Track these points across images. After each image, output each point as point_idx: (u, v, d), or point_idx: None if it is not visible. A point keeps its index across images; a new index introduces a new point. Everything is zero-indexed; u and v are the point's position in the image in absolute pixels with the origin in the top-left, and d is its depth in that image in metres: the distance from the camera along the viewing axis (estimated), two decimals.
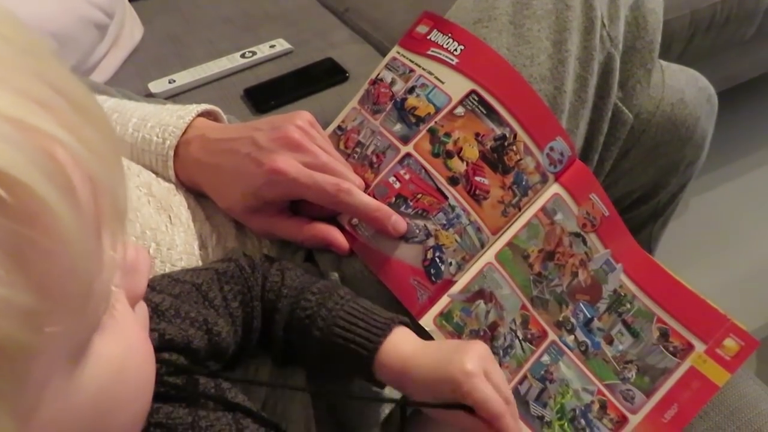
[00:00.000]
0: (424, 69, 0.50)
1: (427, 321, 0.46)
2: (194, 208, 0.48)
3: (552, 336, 0.48)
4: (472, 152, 0.48)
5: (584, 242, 0.50)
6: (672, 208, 0.78)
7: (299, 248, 0.50)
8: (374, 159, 0.49)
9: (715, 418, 0.50)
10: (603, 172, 0.62)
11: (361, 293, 0.44)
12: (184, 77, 0.89)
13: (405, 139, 0.49)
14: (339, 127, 0.53)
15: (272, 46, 0.94)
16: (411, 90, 0.50)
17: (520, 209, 0.49)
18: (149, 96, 0.85)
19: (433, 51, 0.50)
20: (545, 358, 0.47)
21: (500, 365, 0.46)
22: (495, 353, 0.46)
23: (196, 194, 0.49)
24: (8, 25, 0.20)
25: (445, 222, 0.47)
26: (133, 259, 0.26)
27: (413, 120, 0.49)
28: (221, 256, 0.47)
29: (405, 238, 0.47)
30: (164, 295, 0.36)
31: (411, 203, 0.47)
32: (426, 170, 0.48)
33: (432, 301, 0.46)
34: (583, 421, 0.46)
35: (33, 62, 0.20)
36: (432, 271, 0.46)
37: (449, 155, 0.48)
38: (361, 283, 0.47)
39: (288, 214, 0.48)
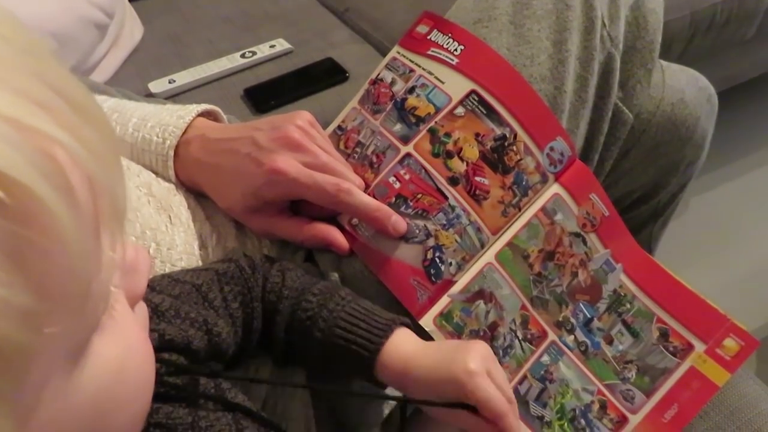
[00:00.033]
0: (424, 69, 0.50)
1: (427, 321, 0.46)
2: (194, 208, 0.48)
3: (552, 336, 0.48)
4: (472, 152, 0.48)
5: (584, 242, 0.50)
6: (672, 208, 0.78)
7: (299, 248, 0.50)
8: (374, 159, 0.49)
9: (715, 417, 0.50)
10: (603, 172, 0.62)
11: (361, 293, 0.44)
12: (184, 77, 0.89)
13: (405, 139, 0.49)
14: (339, 127, 0.53)
15: (272, 46, 0.94)
16: (411, 90, 0.50)
17: (520, 209, 0.49)
18: (149, 96, 0.85)
19: (433, 51, 0.50)
20: (545, 358, 0.47)
21: (500, 365, 0.46)
22: (495, 353, 0.46)
23: (196, 194, 0.49)
24: (8, 26, 0.20)
25: (445, 222, 0.47)
26: (133, 259, 0.26)
27: (413, 120, 0.49)
28: (221, 256, 0.47)
29: (405, 238, 0.47)
30: (164, 296, 0.36)
31: (411, 203, 0.47)
32: (426, 170, 0.48)
33: (432, 301, 0.46)
34: (583, 421, 0.46)
35: (32, 62, 0.20)
36: (432, 271, 0.46)
37: (449, 155, 0.48)
38: (361, 283, 0.47)
39: (288, 214, 0.48)
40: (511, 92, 0.48)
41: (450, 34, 0.50)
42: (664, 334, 0.48)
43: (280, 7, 1.07)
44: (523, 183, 0.48)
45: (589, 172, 0.52)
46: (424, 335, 0.45)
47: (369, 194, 0.47)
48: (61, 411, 0.20)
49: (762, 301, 1.02)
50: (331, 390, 0.44)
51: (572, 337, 0.48)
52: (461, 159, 0.48)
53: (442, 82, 0.49)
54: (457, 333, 0.46)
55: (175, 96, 0.87)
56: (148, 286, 0.30)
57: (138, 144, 0.48)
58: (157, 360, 0.28)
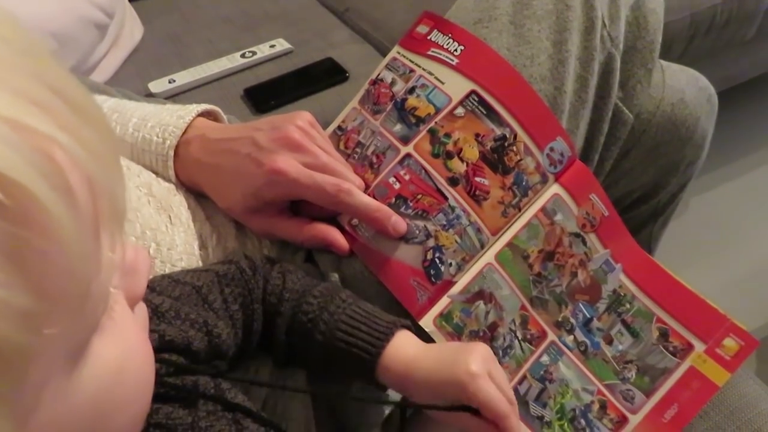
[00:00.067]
0: (424, 69, 0.50)
1: (426, 322, 0.46)
2: (194, 208, 0.48)
3: (551, 336, 0.48)
4: (472, 153, 0.48)
5: (584, 242, 0.50)
6: (672, 208, 0.78)
7: (299, 248, 0.50)
8: (374, 159, 0.49)
9: (715, 417, 0.50)
10: (603, 172, 0.62)
11: (361, 294, 0.44)
12: (184, 77, 0.89)
13: (405, 140, 0.49)
14: (339, 128, 0.53)
15: (272, 46, 0.94)
16: (411, 90, 0.50)
17: (520, 210, 0.49)
18: (149, 96, 0.85)
19: (433, 51, 0.50)
20: (545, 359, 0.47)
21: (500, 366, 0.46)
22: (494, 353, 0.46)
23: (196, 194, 0.49)
24: (7, 26, 0.20)
25: (445, 223, 0.47)
26: (132, 259, 0.26)
27: (413, 120, 0.49)
28: (221, 257, 0.47)
29: (405, 238, 0.47)
30: (164, 297, 0.36)
31: (411, 204, 0.47)
32: (426, 171, 0.48)
33: (432, 301, 0.46)
34: (583, 421, 0.46)
35: (31, 63, 0.20)
36: (432, 271, 0.46)
37: (449, 156, 0.48)
38: (361, 283, 0.47)
39: (288, 215, 0.48)
40: (511, 92, 0.48)
41: (450, 35, 0.50)
42: (664, 334, 0.48)
43: (280, 7, 1.07)
44: (523, 183, 0.48)
45: (588, 173, 0.52)
46: (424, 336, 0.45)
47: (369, 195, 0.47)
48: (61, 412, 0.20)
49: (762, 301, 1.02)
50: (331, 394, 0.44)
51: (572, 337, 0.48)
52: (461, 159, 0.48)
53: (442, 83, 0.49)
54: (457, 333, 0.46)
55: (175, 96, 0.87)
56: (148, 286, 0.30)
57: (138, 144, 0.48)
58: (157, 360, 0.28)
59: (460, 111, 0.48)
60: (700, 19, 1.00)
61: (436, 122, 0.48)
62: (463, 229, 0.47)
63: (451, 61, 0.49)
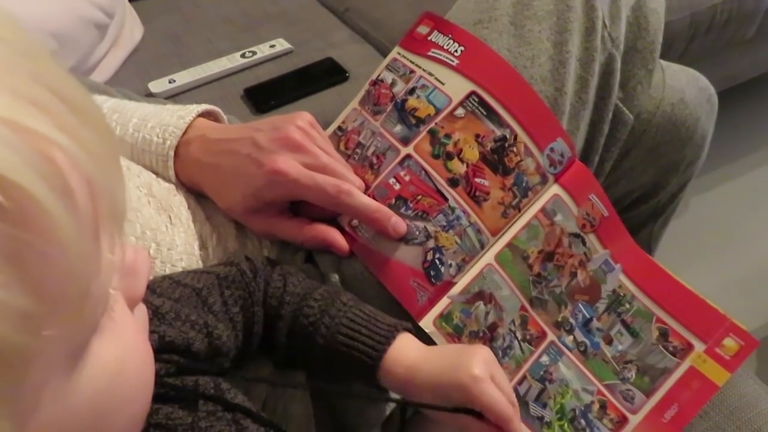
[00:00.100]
0: (424, 70, 0.50)
1: (426, 323, 0.46)
2: (194, 208, 0.48)
3: (551, 336, 0.48)
4: (472, 153, 0.48)
5: (583, 243, 0.50)
6: (672, 208, 0.78)
7: (299, 249, 0.50)
8: (374, 160, 0.49)
9: (715, 417, 0.50)
10: (603, 173, 0.62)
11: (361, 294, 0.44)
12: (184, 77, 0.89)
13: (405, 141, 0.49)
14: (339, 128, 0.53)
15: (272, 46, 0.94)
16: (411, 91, 0.50)
17: (520, 210, 0.49)
18: (149, 96, 0.85)
19: (433, 52, 0.50)
20: (544, 359, 0.47)
21: (502, 369, 0.46)
22: (494, 354, 0.46)
23: (196, 195, 0.49)
24: (6, 27, 0.20)
25: (445, 223, 0.47)
26: (132, 261, 0.26)
27: (413, 121, 0.49)
28: (221, 257, 0.47)
29: (405, 239, 0.47)
30: (164, 299, 0.36)
31: (411, 205, 0.47)
32: (426, 172, 0.48)
33: (432, 302, 0.46)
34: (583, 422, 0.46)
35: (30, 64, 0.20)
36: (432, 272, 0.46)
37: (449, 157, 0.48)
38: (361, 284, 0.47)
39: (288, 215, 0.48)
40: (512, 93, 0.48)
41: (450, 35, 0.50)
42: (664, 334, 0.48)
43: (280, 7, 1.07)
44: (523, 184, 0.48)
45: (588, 173, 0.52)
46: (424, 336, 0.45)
47: (369, 195, 0.47)
48: (60, 413, 0.20)
49: (762, 301, 1.02)
50: (332, 391, 0.44)
51: (571, 337, 0.48)
52: (461, 160, 0.48)
53: (443, 83, 0.49)
54: (457, 334, 0.46)
55: (175, 96, 0.87)
56: (148, 287, 0.30)
57: (138, 144, 0.48)
58: (157, 361, 0.28)
59: (460, 112, 0.48)
60: (700, 18, 1.00)
61: (436, 123, 0.48)
62: (463, 229, 0.47)
63: (451, 62, 0.49)
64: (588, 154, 0.57)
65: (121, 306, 0.25)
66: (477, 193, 0.47)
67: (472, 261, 0.48)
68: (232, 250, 0.48)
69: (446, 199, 0.47)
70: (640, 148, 0.65)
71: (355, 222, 0.48)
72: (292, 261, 0.49)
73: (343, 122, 0.53)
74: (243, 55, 0.93)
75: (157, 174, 0.49)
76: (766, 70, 1.22)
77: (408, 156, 0.48)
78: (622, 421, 0.46)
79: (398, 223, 0.46)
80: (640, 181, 0.71)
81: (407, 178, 0.48)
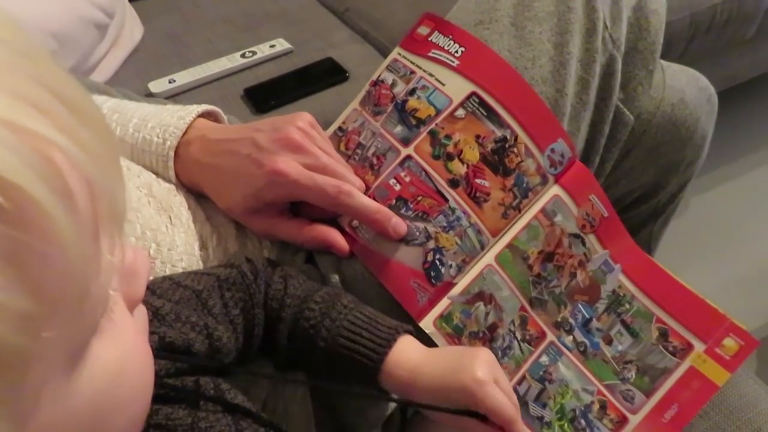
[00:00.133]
0: (425, 71, 0.50)
1: (427, 323, 0.46)
2: (194, 208, 0.48)
3: (550, 336, 0.48)
4: (472, 154, 0.48)
5: (583, 243, 0.50)
6: (672, 208, 0.78)
7: (299, 250, 0.50)
8: (375, 161, 0.49)
9: (715, 417, 0.50)
10: (604, 174, 0.62)
11: (362, 295, 0.44)
12: (184, 77, 0.89)
13: (406, 141, 0.49)
14: (340, 129, 0.53)
15: (272, 46, 0.94)
16: (412, 92, 0.50)
17: (520, 211, 0.49)
18: (149, 96, 0.85)
19: (434, 53, 0.50)
20: (544, 359, 0.47)
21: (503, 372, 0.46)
22: (494, 354, 0.46)
23: (196, 195, 0.49)
24: (5, 28, 0.20)
25: (445, 224, 0.47)
26: (132, 262, 0.26)
27: (414, 122, 0.49)
28: (222, 257, 0.47)
29: (405, 240, 0.47)
30: (164, 300, 0.36)
31: (411, 205, 0.47)
32: (426, 172, 0.48)
33: (432, 303, 0.46)
34: (583, 422, 0.46)
35: (30, 65, 0.20)
36: (432, 273, 0.47)
37: (450, 157, 0.48)
38: (362, 285, 0.47)
39: (288, 216, 0.48)
40: (512, 94, 0.48)
41: (451, 36, 0.50)
42: (664, 334, 0.48)
43: (280, 7, 1.07)
44: (524, 185, 0.48)
45: (588, 173, 0.52)
46: (424, 337, 0.45)
47: (369, 196, 0.47)
48: (60, 414, 0.20)
49: (762, 301, 1.02)
50: (333, 389, 0.44)
51: (571, 337, 0.48)
52: (462, 161, 0.48)
53: (443, 84, 0.49)
54: (457, 335, 0.46)
55: (175, 96, 0.87)
56: (148, 288, 0.30)
57: (138, 144, 0.48)
58: (157, 362, 0.28)
59: (460, 112, 0.48)
60: (700, 19, 1.00)
61: (436, 124, 0.48)
62: (464, 230, 0.47)
63: (451, 63, 0.49)
64: (588, 154, 0.57)
65: (120, 307, 0.25)
66: (477, 194, 0.47)
67: (473, 262, 0.48)
68: (233, 251, 0.48)
69: (446, 200, 0.47)
70: (640, 148, 0.65)
71: (355, 223, 0.48)
72: (293, 262, 0.49)
73: (344, 123, 0.53)
74: (243, 55, 0.93)
75: (157, 174, 0.49)
76: (766, 70, 1.22)
77: (408, 157, 0.48)
78: (622, 421, 0.46)
79: (398, 224, 0.46)
80: (640, 181, 0.71)
81: (408, 179, 0.48)
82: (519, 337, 0.47)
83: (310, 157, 0.45)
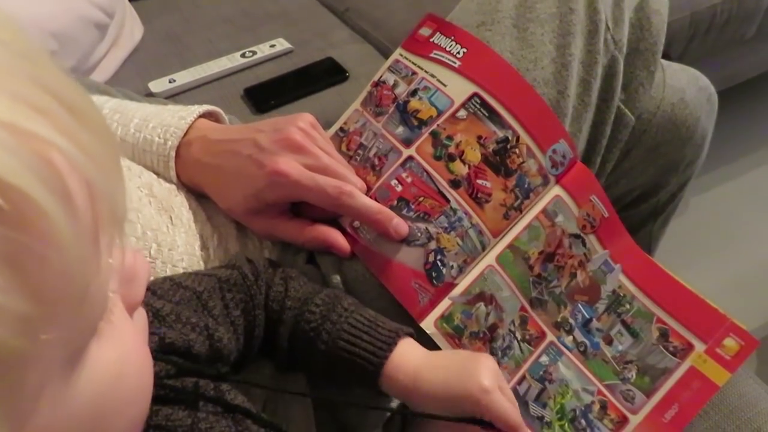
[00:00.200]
0: (426, 72, 0.50)
1: (428, 324, 0.46)
2: (195, 209, 0.48)
3: (550, 337, 0.48)
4: (474, 155, 0.48)
5: (583, 243, 0.50)
6: (672, 208, 0.79)
7: (300, 250, 0.50)
8: (376, 161, 0.49)
9: (715, 417, 0.50)
10: (604, 174, 0.62)
11: (363, 296, 0.44)
12: (184, 77, 0.89)
13: (407, 142, 0.49)
14: (341, 129, 0.53)
15: (272, 46, 0.94)
16: (413, 93, 0.50)
17: (521, 212, 0.49)
18: (149, 95, 0.85)
19: (435, 54, 0.50)
20: (544, 359, 0.47)
21: (498, 366, 0.46)
22: (494, 354, 0.47)
23: (197, 195, 0.49)
24: (5, 29, 0.20)
25: (446, 225, 0.47)
26: (131, 265, 0.25)
27: (415, 123, 0.49)
28: (222, 257, 0.47)
29: (406, 241, 0.47)
30: (164, 301, 0.36)
31: (413, 206, 0.47)
32: (428, 173, 0.48)
33: (433, 303, 0.46)
34: (583, 422, 0.46)
35: (29, 66, 0.19)
36: (433, 274, 0.47)
37: (451, 158, 0.48)
38: (363, 285, 0.47)
39: (289, 216, 0.48)
40: (514, 95, 0.48)
41: (453, 37, 0.50)
42: (664, 334, 0.48)
43: (280, 6, 1.07)
44: (525, 186, 0.48)
45: (589, 174, 0.52)
46: (425, 337, 0.45)
47: (371, 197, 0.47)
48: (59, 416, 0.20)
49: (762, 301, 1.03)
50: (334, 400, 0.44)
51: (571, 337, 0.48)
52: (463, 162, 0.48)
53: (445, 85, 0.49)
54: (458, 335, 0.46)
55: (175, 96, 0.86)
56: (149, 289, 0.30)
57: (139, 145, 0.48)
58: (157, 363, 0.28)
59: (462, 113, 0.48)
60: (700, 18, 1.00)
61: (438, 125, 0.48)
62: (465, 231, 0.47)
63: (453, 64, 0.49)
64: (590, 155, 0.57)
65: (119, 309, 0.24)
66: (479, 195, 0.47)
67: (474, 262, 0.48)
68: (233, 251, 0.48)
69: (448, 201, 0.47)
70: (641, 147, 0.65)
71: (356, 223, 0.48)
72: (294, 262, 0.49)
73: (345, 123, 0.53)
74: (243, 55, 0.93)
75: (158, 174, 0.49)
76: (766, 70, 1.22)
77: (410, 157, 0.48)
78: (623, 421, 0.46)
79: (400, 225, 0.46)
80: (640, 180, 0.71)
81: (409, 180, 0.48)
82: (519, 337, 0.47)
83: (311, 158, 0.45)
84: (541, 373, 0.47)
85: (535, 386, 0.47)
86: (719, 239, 1.14)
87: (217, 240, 0.48)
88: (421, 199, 0.47)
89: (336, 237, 0.47)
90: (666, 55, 0.62)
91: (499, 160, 0.48)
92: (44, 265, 0.18)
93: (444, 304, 0.46)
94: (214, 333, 0.36)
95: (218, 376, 0.34)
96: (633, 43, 0.57)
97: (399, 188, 0.48)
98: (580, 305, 0.49)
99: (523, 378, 0.47)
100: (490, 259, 0.48)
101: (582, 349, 0.48)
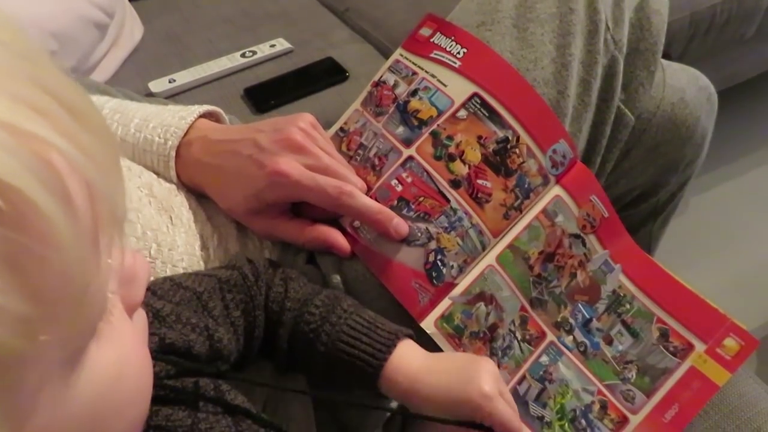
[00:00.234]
0: (426, 72, 0.50)
1: (428, 324, 0.46)
2: (195, 209, 0.48)
3: (550, 336, 0.48)
4: (474, 155, 0.48)
5: (583, 243, 0.50)
6: (672, 207, 0.79)
7: (301, 250, 0.50)
8: (376, 161, 0.49)
9: (715, 417, 0.50)
10: (604, 174, 0.62)
11: (363, 295, 0.44)
12: (184, 77, 0.89)
13: (407, 142, 0.49)
14: (341, 129, 0.53)
15: (272, 46, 0.94)
16: (413, 93, 0.50)
17: (521, 212, 0.49)
18: (149, 95, 0.85)
19: (436, 54, 0.50)
20: (544, 359, 0.47)
21: (499, 366, 0.46)
22: (494, 354, 0.47)
23: (197, 195, 0.49)
24: (5, 30, 0.20)
25: (446, 225, 0.47)
26: (131, 266, 0.25)
27: (416, 123, 0.49)
28: (223, 258, 0.47)
29: (407, 241, 0.47)
30: (164, 302, 0.36)
31: (413, 206, 0.47)
32: (428, 173, 0.48)
33: (433, 303, 0.46)
34: (583, 422, 0.46)
35: (29, 67, 0.19)
36: (433, 274, 0.47)
37: (451, 158, 0.48)
38: (363, 285, 0.47)
39: (289, 216, 0.48)
40: (514, 95, 0.48)
41: (453, 37, 0.50)
42: (664, 334, 0.48)
43: (280, 6, 1.07)
44: (525, 186, 0.48)
45: (589, 174, 0.52)
46: (425, 337, 0.45)
47: (371, 197, 0.47)
48: (58, 417, 0.20)
49: (762, 301, 1.03)
50: (334, 399, 0.44)
51: (571, 337, 0.48)
52: (463, 162, 0.48)
53: (445, 85, 0.49)
54: (458, 335, 0.46)
55: (175, 95, 0.86)
56: (149, 289, 0.30)
57: (140, 144, 0.48)
58: (157, 363, 0.27)
59: (462, 113, 0.48)
60: (700, 18, 1.00)
61: (438, 125, 0.48)
62: (465, 231, 0.47)
63: (453, 64, 0.49)
64: (590, 156, 0.57)
65: (119, 310, 0.24)
66: (479, 195, 0.47)
67: (474, 262, 0.48)
68: (234, 251, 0.48)
69: (448, 201, 0.47)
70: (640, 147, 0.65)
71: (356, 223, 0.48)
72: (294, 262, 0.49)
73: (345, 123, 0.53)
74: (243, 55, 0.93)
75: (158, 174, 0.49)
76: (766, 69, 1.22)
77: (410, 157, 0.48)
78: (623, 421, 0.46)
79: (400, 225, 0.46)
80: (640, 180, 0.71)
81: (409, 180, 0.48)
82: (519, 337, 0.47)
83: (311, 158, 0.45)
84: (541, 373, 0.47)
85: (535, 386, 0.47)
86: (719, 239, 1.14)
87: (217, 240, 0.48)
88: (421, 199, 0.47)
89: (336, 237, 0.47)
90: (666, 55, 0.62)
91: (499, 160, 0.48)
92: (43, 265, 0.18)
93: (444, 304, 0.46)
94: (214, 333, 0.36)
95: (219, 374, 0.34)
96: (633, 43, 0.57)
97: (399, 188, 0.48)
98: (580, 305, 0.49)
99: (523, 378, 0.47)
100: (490, 259, 0.48)
101: (582, 349, 0.48)
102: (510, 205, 0.48)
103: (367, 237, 0.47)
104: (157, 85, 0.87)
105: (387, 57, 0.55)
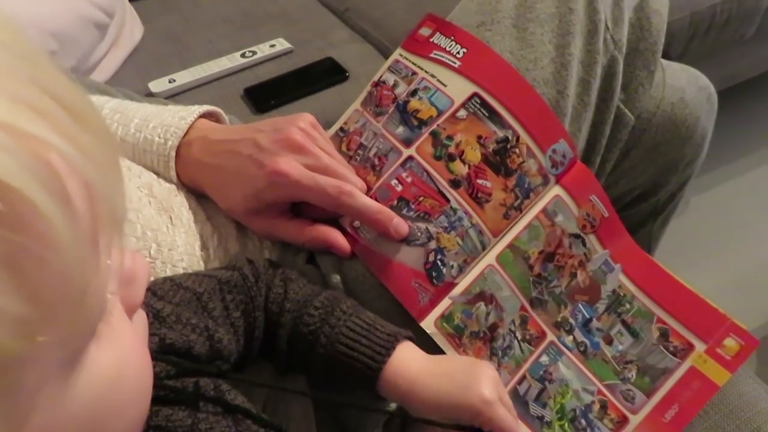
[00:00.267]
0: (426, 72, 0.50)
1: (428, 323, 0.46)
2: (195, 209, 0.48)
3: (551, 336, 0.48)
4: (474, 155, 0.48)
5: (583, 243, 0.50)
6: (672, 207, 0.79)
7: (301, 250, 0.50)
8: (376, 161, 0.49)
9: (715, 416, 0.50)
10: (604, 173, 0.62)
11: (363, 295, 0.44)
12: (184, 77, 0.89)
13: (407, 142, 0.49)
14: (341, 129, 0.53)
15: (272, 46, 0.94)
16: (413, 93, 0.50)
17: (521, 211, 0.49)
18: (149, 95, 0.85)
19: (435, 54, 0.50)
20: (544, 359, 0.47)
21: (499, 366, 0.46)
22: (494, 354, 0.47)
23: (197, 195, 0.49)
24: (5, 30, 0.20)
25: (446, 225, 0.47)
26: (131, 267, 0.25)
27: (415, 123, 0.49)
28: (222, 258, 0.47)
29: (407, 240, 0.47)
30: (164, 302, 0.36)
31: (413, 206, 0.47)
32: (428, 173, 0.48)
33: (433, 303, 0.46)
34: (583, 422, 0.46)
35: (29, 68, 0.19)
36: (433, 273, 0.47)
37: (451, 158, 0.48)
38: (363, 285, 0.47)
39: (289, 216, 0.48)
40: (514, 95, 0.48)
41: (453, 37, 0.50)
42: (664, 334, 0.48)
43: (280, 6, 1.07)
44: (525, 185, 0.48)
45: (589, 174, 0.52)
46: (425, 337, 0.45)
47: (371, 197, 0.47)
48: (57, 418, 0.20)
49: (762, 301, 1.03)
50: (333, 401, 0.44)
51: (571, 337, 0.48)
52: (463, 162, 0.48)
53: (445, 85, 0.49)
54: (458, 335, 0.46)
55: (175, 95, 0.86)
56: (149, 290, 0.30)
57: (140, 144, 0.48)
58: (157, 363, 0.27)
59: (462, 113, 0.48)
60: (700, 18, 1.00)
61: (438, 125, 0.48)
62: (465, 231, 0.47)
63: (453, 64, 0.49)
64: (590, 155, 0.57)
65: (118, 311, 0.24)
66: (479, 195, 0.47)
67: (474, 262, 0.48)
68: (233, 251, 0.48)
69: (448, 201, 0.47)
70: (640, 147, 0.65)
71: (356, 223, 0.48)
72: (294, 262, 0.49)
73: (345, 123, 0.53)
74: (243, 55, 0.93)
75: (158, 174, 0.49)
76: (766, 69, 1.22)
77: (410, 157, 0.48)
78: (623, 421, 0.46)
79: (400, 225, 0.46)
80: (640, 180, 0.71)
81: (409, 180, 0.48)
82: (519, 337, 0.47)
83: (311, 158, 0.45)
84: (541, 372, 0.47)
85: (535, 386, 0.47)
86: (719, 239, 1.14)
87: (217, 240, 0.48)
88: (421, 198, 0.47)
89: (336, 237, 0.47)
90: (666, 55, 0.62)
91: (499, 159, 0.48)
92: (42, 266, 0.18)
93: (444, 304, 0.46)
94: (214, 334, 0.36)
95: (219, 374, 0.34)
96: (633, 43, 0.57)
97: (399, 188, 0.48)
98: (580, 305, 0.49)
99: (524, 378, 0.47)
100: (490, 258, 0.48)
101: (582, 348, 0.48)
102: (510, 204, 0.48)
103: (367, 237, 0.47)
104: (157, 85, 0.87)
105: (387, 57, 0.55)
